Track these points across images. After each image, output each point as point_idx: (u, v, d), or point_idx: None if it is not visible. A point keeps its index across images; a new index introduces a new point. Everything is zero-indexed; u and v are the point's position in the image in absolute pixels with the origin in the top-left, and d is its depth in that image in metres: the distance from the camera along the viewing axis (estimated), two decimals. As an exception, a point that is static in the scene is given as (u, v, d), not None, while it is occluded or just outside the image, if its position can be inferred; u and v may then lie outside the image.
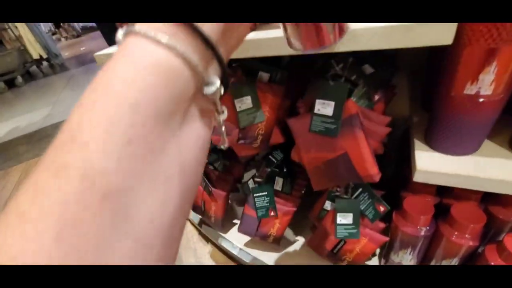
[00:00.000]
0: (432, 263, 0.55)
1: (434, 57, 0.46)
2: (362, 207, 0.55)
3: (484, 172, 0.37)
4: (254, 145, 0.56)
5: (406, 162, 0.59)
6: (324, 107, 0.42)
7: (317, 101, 0.43)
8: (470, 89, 0.33)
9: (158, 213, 0.12)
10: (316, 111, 0.44)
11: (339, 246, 0.59)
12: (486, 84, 0.32)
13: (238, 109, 0.50)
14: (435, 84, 0.41)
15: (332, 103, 0.42)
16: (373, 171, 0.42)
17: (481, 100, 0.34)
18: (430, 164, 0.40)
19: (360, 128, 0.41)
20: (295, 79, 0.59)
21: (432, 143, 0.42)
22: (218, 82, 0.14)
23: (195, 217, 0.92)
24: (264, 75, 0.51)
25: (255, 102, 0.51)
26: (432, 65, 0.48)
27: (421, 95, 0.53)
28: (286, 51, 0.27)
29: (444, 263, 0.53)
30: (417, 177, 0.40)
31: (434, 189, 0.55)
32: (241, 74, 0.50)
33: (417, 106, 0.54)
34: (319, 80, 0.45)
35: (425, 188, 0.55)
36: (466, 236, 0.48)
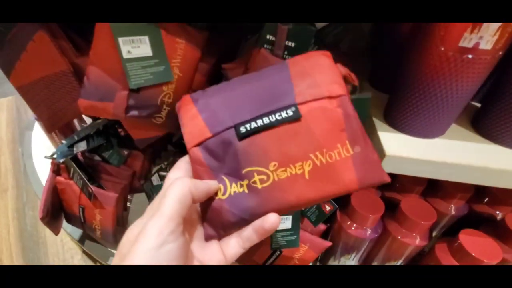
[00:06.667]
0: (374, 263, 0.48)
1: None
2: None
3: (471, 159, 0.29)
4: (156, 121, 0.36)
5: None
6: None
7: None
8: (468, 39, 0.24)
9: None
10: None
11: (273, 258, 0.46)
12: (489, 32, 0.23)
13: (125, 56, 0.30)
14: (401, 49, 0.32)
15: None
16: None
17: (478, 57, 0.25)
18: (401, 148, 0.30)
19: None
20: (223, 35, 0.43)
21: (398, 124, 0.33)
22: None
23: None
24: (174, 9, 0.32)
25: (157, 49, 0.32)
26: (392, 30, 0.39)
27: (370, 69, 0.45)
28: None
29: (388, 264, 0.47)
30: (387, 165, 0.30)
31: (378, 182, 0.48)
32: (132, -4, 0.30)
33: (362, 81, 0.45)
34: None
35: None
36: (414, 234, 0.42)
